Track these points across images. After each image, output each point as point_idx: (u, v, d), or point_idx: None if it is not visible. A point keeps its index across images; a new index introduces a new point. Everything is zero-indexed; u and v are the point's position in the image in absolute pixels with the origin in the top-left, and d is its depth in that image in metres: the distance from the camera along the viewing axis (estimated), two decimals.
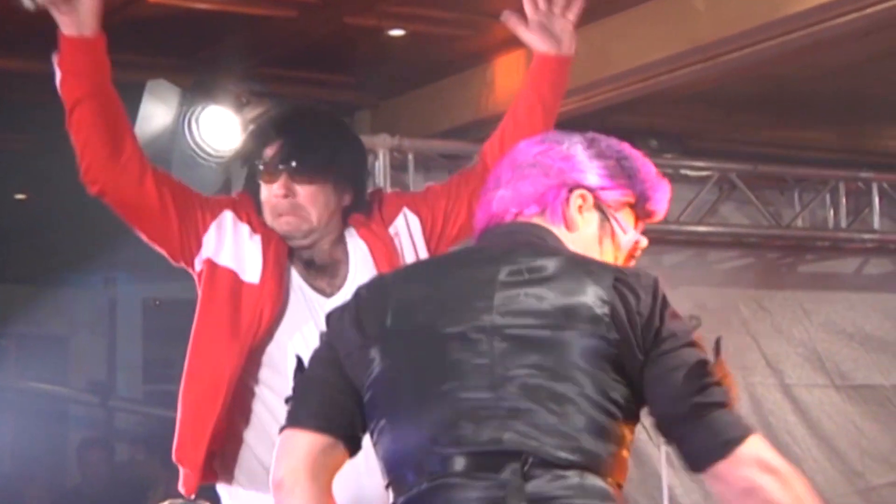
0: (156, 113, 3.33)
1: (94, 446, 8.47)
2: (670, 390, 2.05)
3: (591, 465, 2.03)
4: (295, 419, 2.13)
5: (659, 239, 6.54)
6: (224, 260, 2.87)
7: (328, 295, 2.90)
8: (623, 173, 2.26)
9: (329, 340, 2.17)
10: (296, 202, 2.87)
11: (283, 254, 2.90)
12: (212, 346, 2.87)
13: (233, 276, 2.86)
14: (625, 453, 2.10)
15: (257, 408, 2.89)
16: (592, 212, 2.25)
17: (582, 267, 2.13)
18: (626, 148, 2.30)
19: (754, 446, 2.03)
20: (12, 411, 9.58)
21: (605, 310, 2.06)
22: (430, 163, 5.97)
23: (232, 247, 2.89)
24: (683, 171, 6.58)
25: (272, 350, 2.89)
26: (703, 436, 2.03)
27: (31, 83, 6.15)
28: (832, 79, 6.15)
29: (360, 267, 2.91)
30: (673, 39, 5.35)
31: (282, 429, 2.15)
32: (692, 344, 2.08)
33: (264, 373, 2.89)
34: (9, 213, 8.41)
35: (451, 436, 2.02)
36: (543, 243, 2.20)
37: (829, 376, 6.79)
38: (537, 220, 2.23)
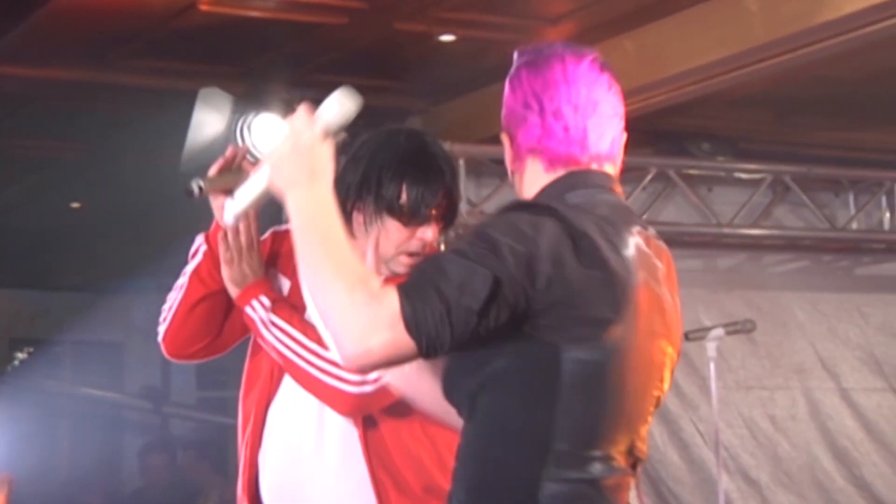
0: (208, 120, 3.34)
1: (155, 451, 8.49)
2: None
3: None
4: None
5: (713, 242, 6.50)
6: None
7: None
8: None
9: None
10: (424, 243, 2.89)
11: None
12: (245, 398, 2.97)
13: None
14: None
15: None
16: None
17: None
18: None
19: None
20: (69, 418, 9.67)
21: None
22: (481, 168, 5.97)
23: None
24: (737, 174, 6.54)
25: None
26: None
27: (84, 93, 6.23)
28: (886, 80, 6.09)
29: None
30: (726, 41, 5.32)
31: None
32: None
33: None
34: (64, 222, 8.50)
35: None
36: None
37: (887, 380, 6.72)
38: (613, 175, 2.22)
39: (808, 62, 5.41)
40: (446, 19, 5.50)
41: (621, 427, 2.04)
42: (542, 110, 2.16)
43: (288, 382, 2.88)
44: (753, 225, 6.51)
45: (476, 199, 5.96)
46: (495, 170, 5.85)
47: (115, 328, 9.61)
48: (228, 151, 2.87)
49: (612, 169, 2.20)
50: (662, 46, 5.53)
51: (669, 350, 2.14)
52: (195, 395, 9.98)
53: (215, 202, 2.83)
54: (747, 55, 5.34)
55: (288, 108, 5.39)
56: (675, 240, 6.23)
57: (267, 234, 2.97)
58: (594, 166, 2.17)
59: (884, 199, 6.82)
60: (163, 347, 2.96)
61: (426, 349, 1.92)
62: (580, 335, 1.99)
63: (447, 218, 2.89)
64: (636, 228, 2.12)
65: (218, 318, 2.92)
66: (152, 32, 5.45)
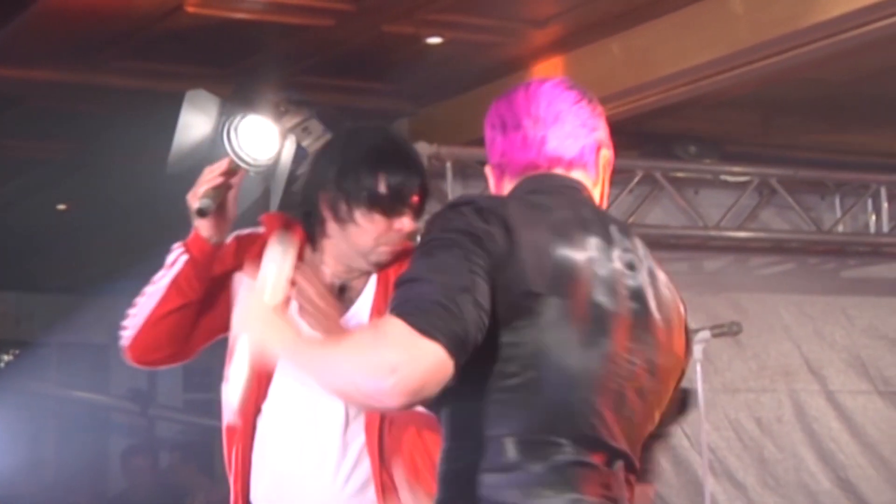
0: (195, 122, 3.33)
1: (138, 453, 8.49)
2: None
3: None
4: None
5: (699, 245, 6.51)
6: None
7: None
8: None
9: None
10: (402, 234, 2.90)
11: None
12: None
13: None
14: None
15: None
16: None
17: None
18: None
19: None
20: (54, 420, 9.65)
21: None
22: (468, 170, 5.97)
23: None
24: (723, 177, 6.55)
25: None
26: None
27: (70, 94, 6.22)
28: (872, 82, 6.11)
29: (366, 295, 2.93)
30: (712, 44, 5.33)
31: None
32: None
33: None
34: (50, 224, 8.48)
35: None
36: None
37: (873, 382, 6.73)
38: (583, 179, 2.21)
39: (794, 65, 5.42)
40: (433, 22, 5.50)
41: (564, 416, 1.99)
42: (503, 126, 2.21)
43: (278, 386, 2.87)
44: (740, 227, 6.52)
45: None
46: (482, 172, 5.83)
47: (100, 330, 9.55)
48: (223, 166, 2.90)
49: (582, 175, 2.18)
50: (649, 49, 5.54)
51: (652, 345, 2.09)
52: (181, 398, 9.96)
53: (197, 219, 2.85)
54: (733, 58, 5.35)
55: (275, 111, 5.38)
56: (662, 242, 6.25)
57: (231, 238, 2.95)
58: (558, 171, 2.17)
59: (870, 202, 6.84)
60: (127, 353, 2.91)
61: (452, 348, 1.86)
62: (509, 315, 1.95)
63: (420, 209, 2.90)
64: (600, 229, 2.09)
65: (187, 328, 2.88)
66: (139, 34, 5.44)
